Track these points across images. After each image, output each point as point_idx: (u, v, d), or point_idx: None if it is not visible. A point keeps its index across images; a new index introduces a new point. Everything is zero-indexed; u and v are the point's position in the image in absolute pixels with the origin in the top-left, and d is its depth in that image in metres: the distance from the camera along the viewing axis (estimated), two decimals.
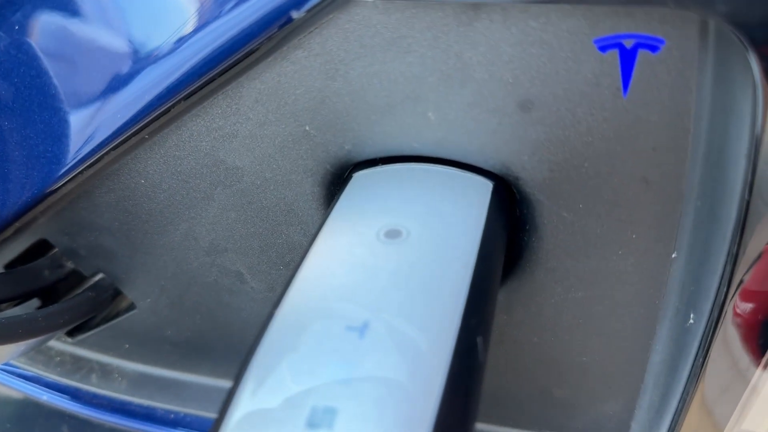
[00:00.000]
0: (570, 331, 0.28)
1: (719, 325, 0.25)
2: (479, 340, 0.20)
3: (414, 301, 0.20)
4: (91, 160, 0.28)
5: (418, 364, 0.18)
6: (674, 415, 0.27)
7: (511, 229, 0.27)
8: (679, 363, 0.26)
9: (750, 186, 0.20)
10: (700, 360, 0.25)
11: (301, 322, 0.19)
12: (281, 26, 0.22)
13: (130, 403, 0.37)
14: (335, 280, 0.21)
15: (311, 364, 0.18)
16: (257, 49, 0.24)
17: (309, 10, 0.22)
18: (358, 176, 0.27)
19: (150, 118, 0.26)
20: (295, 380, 0.18)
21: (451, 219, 0.24)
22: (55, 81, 0.28)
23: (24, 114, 0.29)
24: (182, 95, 0.26)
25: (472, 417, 0.19)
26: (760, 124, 0.19)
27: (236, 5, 0.22)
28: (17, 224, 0.32)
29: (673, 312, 0.26)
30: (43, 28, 0.27)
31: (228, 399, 0.18)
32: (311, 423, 0.17)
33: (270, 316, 0.20)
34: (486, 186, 0.25)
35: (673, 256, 0.25)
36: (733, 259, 0.23)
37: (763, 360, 0.24)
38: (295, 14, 0.22)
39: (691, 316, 0.25)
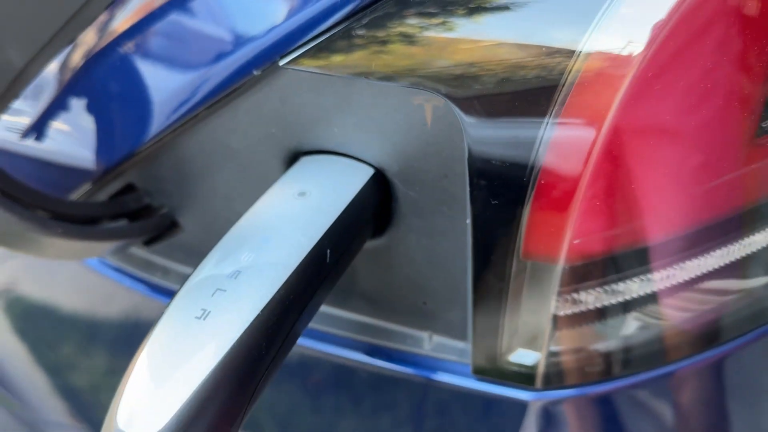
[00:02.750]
0: (425, 264, 0.46)
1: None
2: (328, 252, 0.39)
3: (299, 225, 0.39)
4: (160, 136, 0.49)
5: (286, 257, 0.37)
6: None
7: (387, 199, 0.45)
8: None
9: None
10: None
11: (236, 236, 0.39)
12: (248, 76, 0.41)
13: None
14: (264, 214, 0.40)
15: (235, 253, 0.37)
16: (243, 84, 0.43)
17: (264, 70, 0.41)
18: (302, 160, 0.46)
19: (193, 114, 0.46)
20: (225, 262, 0.37)
21: (338, 187, 0.42)
22: (147, 77, 0.48)
23: (127, 94, 0.50)
24: (208, 104, 0.45)
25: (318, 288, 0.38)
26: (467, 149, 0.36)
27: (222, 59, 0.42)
28: (116, 171, 0.53)
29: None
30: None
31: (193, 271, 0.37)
32: (230, 275, 0.36)
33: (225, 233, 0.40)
34: (368, 171, 0.44)
35: (467, 221, 0.42)
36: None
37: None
38: (255, 72, 0.41)
39: None
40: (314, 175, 0.43)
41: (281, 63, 0.40)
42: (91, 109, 0.53)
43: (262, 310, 0.34)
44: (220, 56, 0.42)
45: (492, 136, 0.36)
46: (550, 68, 0.33)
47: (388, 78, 0.38)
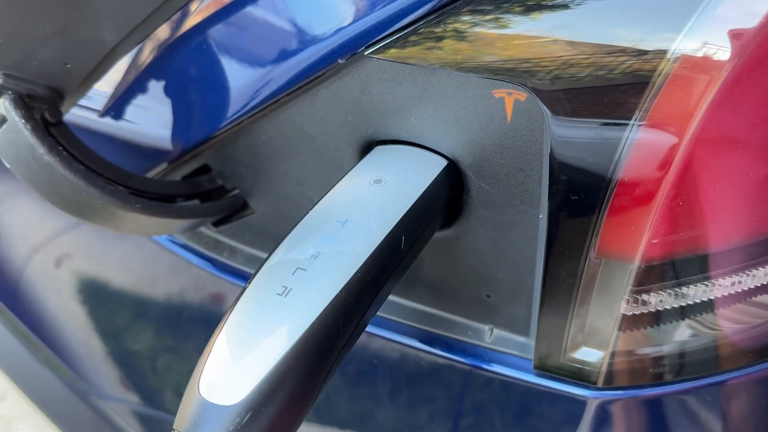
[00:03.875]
0: (490, 256, 0.47)
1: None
2: (402, 239, 0.39)
3: (374, 211, 0.40)
4: (239, 120, 0.50)
5: (363, 241, 0.38)
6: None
7: (458, 190, 0.45)
8: None
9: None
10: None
11: (314, 220, 0.40)
12: (333, 64, 0.43)
13: (244, 271, 0.60)
14: (341, 199, 0.41)
15: (314, 236, 0.38)
16: (326, 72, 0.44)
17: (348, 59, 0.42)
18: (377, 149, 0.47)
19: (273, 100, 0.48)
20: (304, 244, 0.38)
21: (412, 176, 0.43)
22: (230, 62, 0.50)
23: (208, 78, 0.51)
24: (290, 90, 0.47)
25: (391, 276, 0.39)
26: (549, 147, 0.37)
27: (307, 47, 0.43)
28: (193, 152, 0.55)
29: (542, 251, 0.43)
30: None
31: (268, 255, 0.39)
32: (310, 257, 0.37)
33: (300, 218, 0.41)
34: (441, 162, 0.44)
35: (540, 216, 0.42)
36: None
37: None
38: (340, 60, 0.42)
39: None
40: (390, 164, 0.44)
41: (366, 52, 0.41)
42: (171, 91, 0.55)
43: (341, 291, 0.35)
44: (305, 45, 0.44)
45: (576, 133, 0.36)
46: (640, 69, 0.34)
47: (472, 70, 0.38)
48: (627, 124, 0.35)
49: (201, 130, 0.54)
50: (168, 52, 0.53)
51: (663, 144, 0.35)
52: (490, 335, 0.49)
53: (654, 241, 0.37)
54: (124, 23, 0.45)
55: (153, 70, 0.55)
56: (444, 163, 0.44)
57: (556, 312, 0.43)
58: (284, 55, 0.45)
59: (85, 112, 0.60)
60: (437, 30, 0.38)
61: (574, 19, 0.35)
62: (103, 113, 0.60)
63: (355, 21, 0.41)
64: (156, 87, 0.55)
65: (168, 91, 0.55)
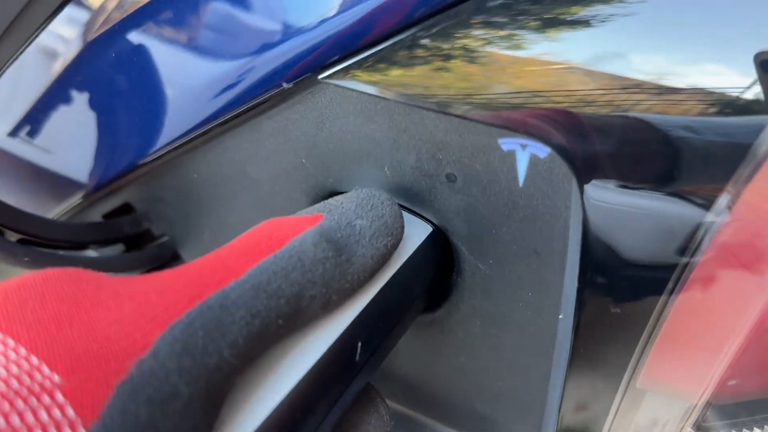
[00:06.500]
0: (487, 358, 0.34)
1: None
2: (359, 345, 0.27)
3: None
4: (166, 150, 0.38)
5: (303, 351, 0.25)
6: None
7: (446, 268, 0.33)
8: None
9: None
10: None
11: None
12: (277, 89, 0.30)
13: None
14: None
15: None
16: (270, 98, 0.32)
17: (295, 84, 0.30)
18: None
19: (203, 129, 0.36)
20: None
21: None
22: (154, 88, 0.38)
23: (130, 104, 0.39)
24: (225, 118, 0.34)
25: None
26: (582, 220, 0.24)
27: (250, 64, 0.31)
28: (111, 186, 0.43)
29: (560, 365, 0.31)
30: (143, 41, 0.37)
31: None
32: None
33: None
34: (426, 229, 0.32)
35: (560, 317, 0.30)
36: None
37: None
38: (285, 85, 0.30)
39: None
40: None
41: (320, 76, 0.28)
42: (85, 107, 0.42)
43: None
44: (239, 59, 0.31)
45: (626, 211, 0.24)
46: (738, 125, 0.21)
47: (470, 110, 0.26)
48: (712, 202, 0.22)
49: (120, 160, 0.41)
50: (81, 58, 0.41)
51: (763, 236, 0.23)
52: None
53: (731, 383, 0.25)
54: None
55: (64, 81, 0.42)
56: (428, 229, 0.32)
57: None
58: (214, 72, 0.33)
59: None
60: (417, 51, 0.26)
61: (627, 43, 0.23)
62: (11, 132, 0.47)
63: (306, 31, 0.28)
64: (67, 101, 0.43)
65: (81, 107, 0.43)
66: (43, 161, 0.46)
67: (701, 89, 0.22)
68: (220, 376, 0.19)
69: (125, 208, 0.45)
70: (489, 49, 0.26)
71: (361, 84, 0.28)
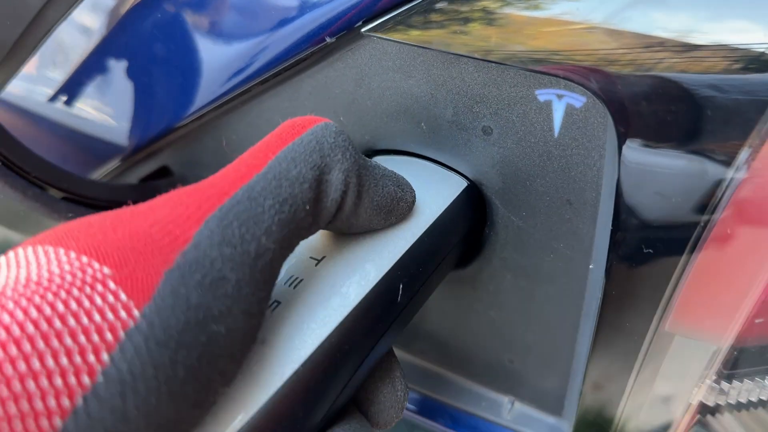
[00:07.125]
0: (517, 312, 0.35)
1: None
2: (400, 287, 0.28)
3: (367, 251, 0.28)
4: (204, 111, 0.39)
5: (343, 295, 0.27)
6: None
7: (479, 222, 0.34)
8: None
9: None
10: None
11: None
12: (320, 44, 0.31)
13: None
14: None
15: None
16: (311, 54, 0.33)
17: (338, 39, 0.31)
18: (376, 160, 0.35)
19: (244, 88, 0.37)
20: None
21: (420, 201, 0.31)
22: (192, 37, 0.39)
23: (168, 67, 0.41)
24: (265, 76, 0.35)
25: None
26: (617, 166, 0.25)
27: (288, 23, 0.32)
28: (149, 149, 0.44)
29: (590, 313, 0.32)
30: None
31: None
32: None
33: None
34: (460, 183, 0.33)
35: (591, 267, 0.31)
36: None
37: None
38: (328, 39, 0.31)
39: None
40: None
41: (364, 29, 0.30)
42: (124, 72, 0.44)
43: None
44: (283, 16, 0.32)
45: (660, 161, 0.25)
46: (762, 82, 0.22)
47: (508, 59, 0.27)
48: (736, 153, 0.23)
49: (158, 122, 0.43)
50: (121, 25, 0.42)
51: None
52: (510, 410, 0.38)
53: (758, 321, 0.26)
54: None
55: (104, 48, 0.44)
56: (463, 184, 0.33)
57: (605, 392, 0.32)
58: (256, 29, 0.34)
59: (30, 95, 0.50)
60: (461, 5, 0.27)
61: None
62: (52, 97, 0.49)
63: None
64: (107, 67, 0.44)
65: (121, 72, 0.44)
66: (82, 126, 0.47)
67: (725, 45, 0.23)
68: (263, 263, 0.20)
69: (162, 172, 0.46)
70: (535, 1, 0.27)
71: (404, 38, 0.29)
